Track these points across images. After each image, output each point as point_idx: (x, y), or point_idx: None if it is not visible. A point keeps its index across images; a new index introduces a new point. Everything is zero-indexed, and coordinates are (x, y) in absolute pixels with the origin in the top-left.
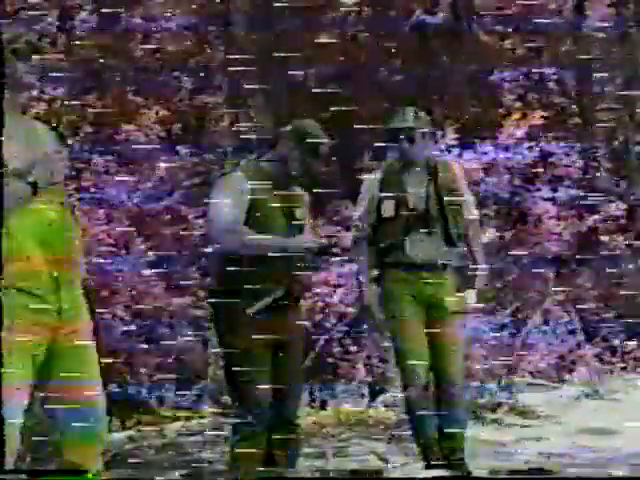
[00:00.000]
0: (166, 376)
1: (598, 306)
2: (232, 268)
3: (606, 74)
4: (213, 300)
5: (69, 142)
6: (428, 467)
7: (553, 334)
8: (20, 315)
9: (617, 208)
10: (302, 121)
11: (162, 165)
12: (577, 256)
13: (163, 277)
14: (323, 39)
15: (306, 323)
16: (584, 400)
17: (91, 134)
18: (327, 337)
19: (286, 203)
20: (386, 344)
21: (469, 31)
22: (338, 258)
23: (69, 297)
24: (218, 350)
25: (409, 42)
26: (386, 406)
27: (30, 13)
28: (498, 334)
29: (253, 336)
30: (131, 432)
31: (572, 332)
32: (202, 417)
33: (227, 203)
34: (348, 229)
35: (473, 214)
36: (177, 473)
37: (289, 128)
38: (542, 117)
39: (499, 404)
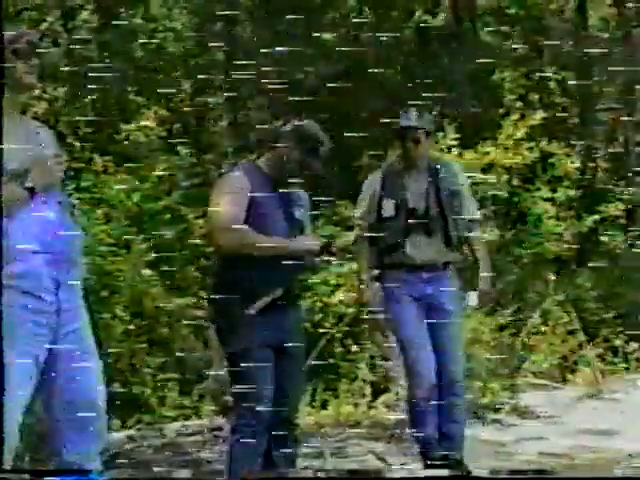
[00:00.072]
0: (168, 376)
1: (598, 306)
2: (232, 268)
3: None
4: (213, 300)
5: (68, 141)
6: (427, 467)
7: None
8: (20, 315)
9: (616, 209)
10: (302, 121)
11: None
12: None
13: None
14: (323, 39)
15: (306, 323)
16: (586, 400)
17: (91, 134)
18: (328, 337)
19: (286, 203)
20: (386, 344)
21: (473, 32)
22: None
23: (68, 297)
24: (219, 350)
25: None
26: (387, 407)
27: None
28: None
29: (253, 336)
30: (131, 432)
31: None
32: (201, 417)
33: (227, 202)
34: (348, 229)
35: (475, 215)
36: (184, 473)
37: (289, 128)
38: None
39: (501, 404)
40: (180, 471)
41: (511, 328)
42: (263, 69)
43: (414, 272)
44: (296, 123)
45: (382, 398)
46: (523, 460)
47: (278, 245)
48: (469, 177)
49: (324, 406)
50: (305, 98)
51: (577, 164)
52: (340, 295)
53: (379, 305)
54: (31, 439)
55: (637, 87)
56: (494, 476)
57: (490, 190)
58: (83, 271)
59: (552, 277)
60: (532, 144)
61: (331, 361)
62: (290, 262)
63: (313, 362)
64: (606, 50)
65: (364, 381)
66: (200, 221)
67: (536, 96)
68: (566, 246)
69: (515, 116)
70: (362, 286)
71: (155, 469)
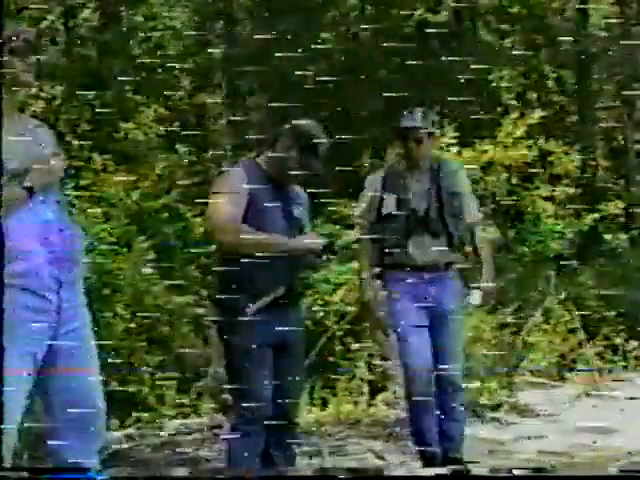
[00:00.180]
0: (166, 374)
1: (599, 304)
2: (234, 266)
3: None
4: (215, 298)
5: (67, 140)
6: (426, 466)
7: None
8: (21, 314)
9: (616, 207)
10: (301, 120)
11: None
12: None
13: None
14: (324, 38)
15: (307, 321)
16: (585, 399)
17: (90, 132)
18: (329, 335)
19: (285, 202)
20: (386, 342)
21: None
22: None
23: (69, 296)
24: (218, 348)
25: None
26: (387, 404)
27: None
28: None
29: (254, 335)
30: (130, 430)
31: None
32: (200, 415)
33: (226, 201)
34: (348, 228)
35: (476, 215)
36: (183, 471)
37: (288, 127)
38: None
39: (499, 403)
40: (179, 469)
41: (512, 326)
42: (263, 68)
43: (416, 272)
44: (295, 122)
45: (381, 396)
46: (522, 458)
47: (276, 243)
48: (468, 175)
49: (324, 404)
50: (304, 98)
51: (576, 162)
52: (341, 293)
53: (380, 304)
54: (30, 437)
55: (636, 85)
56: (493, 474)
57: (489, 188)
58: (84, 270)
59: (553, 275)
60: (531, 142)
61: (331, 359)
62: (291, 260)
63: (313, 360)
64: (605, 48)
65: (362, 380)
66: (199, 219)
67: (534, 94)
68: (567, 244)
69: (514, 114)
70: (363, 285)
71: (154, 467)
